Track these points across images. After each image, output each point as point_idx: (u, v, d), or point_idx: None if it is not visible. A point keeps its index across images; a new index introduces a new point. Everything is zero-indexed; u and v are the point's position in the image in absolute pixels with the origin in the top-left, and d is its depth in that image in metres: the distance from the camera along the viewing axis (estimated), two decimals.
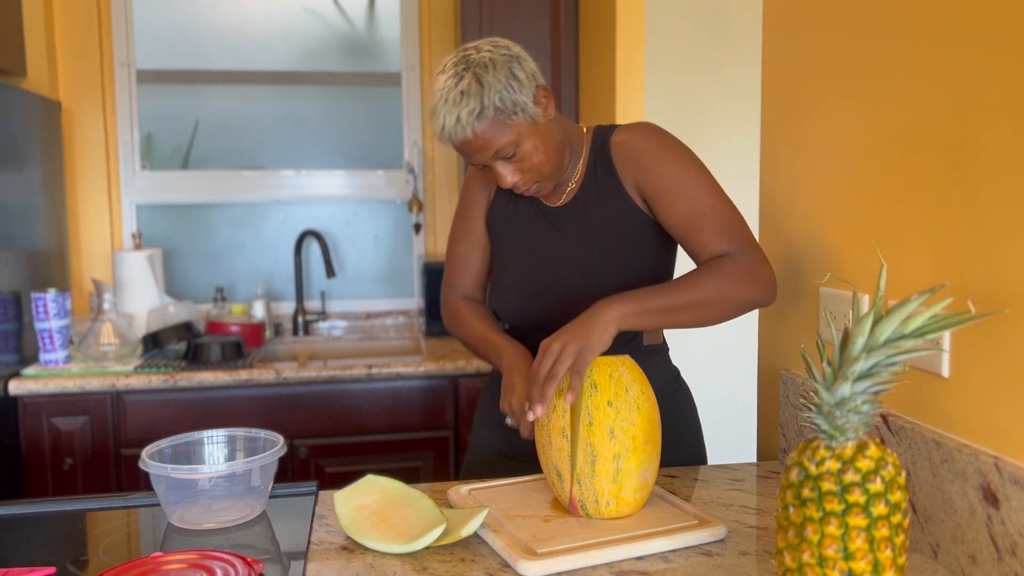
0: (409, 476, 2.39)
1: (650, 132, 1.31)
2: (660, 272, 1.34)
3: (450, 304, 1.45)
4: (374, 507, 1.09)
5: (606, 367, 1.11)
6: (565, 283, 1.32)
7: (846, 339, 0.82)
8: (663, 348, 1.44)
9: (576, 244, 1.33)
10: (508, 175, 1.25)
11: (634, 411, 1.08)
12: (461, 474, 1.51)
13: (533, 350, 1.34)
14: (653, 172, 1.27)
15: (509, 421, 1.22)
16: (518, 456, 1.41)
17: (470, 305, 1.43)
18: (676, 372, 1.45)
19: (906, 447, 1.02)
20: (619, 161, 1.31)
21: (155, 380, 2.26)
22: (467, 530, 1.02)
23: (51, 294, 2.28)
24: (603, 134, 1.34)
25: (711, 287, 1.16)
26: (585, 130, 1.37)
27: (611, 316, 1.11)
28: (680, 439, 1.40)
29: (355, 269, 3.10)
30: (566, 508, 1.12)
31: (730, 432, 2.23)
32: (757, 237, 1.46)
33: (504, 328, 1.43)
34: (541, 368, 1.09)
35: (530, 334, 1.37)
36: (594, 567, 0.98)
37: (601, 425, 1.07)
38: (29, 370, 2.29)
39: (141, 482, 2.27)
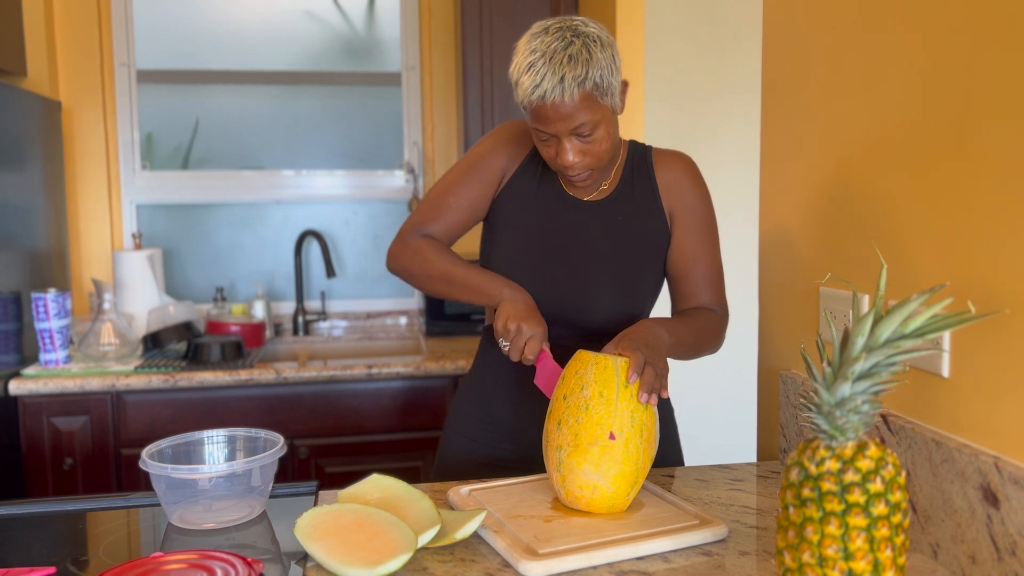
0: (409, 476, 2.38)
1: (695, 169, 1.39)
2: (653, 290, 1.39)
3: (412, 241, 1.37)
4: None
5: (582, 363, 1.13)
6: (575, 273, 1.33)
7: (846, 339, 0.82)
8: None
9: (603, 238, 1.34)
10: (573, 154, 1.23)
11: (581, 410, 1.09)
12: (432, 476, 1.49)
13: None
14: (690, 204, 1.36)
15: (504, 344, 1.24)
16: (496, 462, 1.41)
17: (436, 243, 1.37)
18: None
19: (906, 447, 1.02)
20: (662, 179, 1.37)
21: (155, 380, 2.26)
22: (462, 533, 1.02)
23: (51, 294, 2.28)
24: (642, 149, 1.39)
25: (705, 336, 1.32)
26: (623, 141, 1.40)
27: (666, 346, 1.22)
28: (660, 439, 1.41)
29: (355, 269, 3.10)
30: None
31: (730, 432, 2.23)
32: (757, 237, 1.46)
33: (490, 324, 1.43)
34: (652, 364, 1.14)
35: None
36: (595, 567, 0.98)
37: (552, 414, 1.14)
38: (29, 370, 2.29)
39: (141, 482, 2.27)
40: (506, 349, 1.24)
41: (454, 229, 1.39)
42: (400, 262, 1.38)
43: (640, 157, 1.38)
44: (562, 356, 1.27)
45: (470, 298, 1.32)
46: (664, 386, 1.13)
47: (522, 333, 1.21)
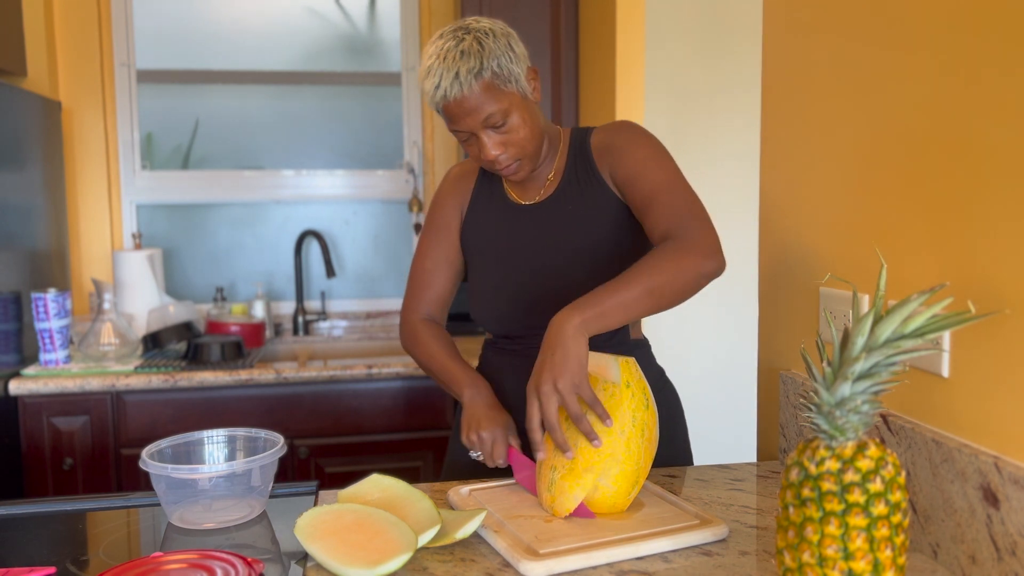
0: (409, 476, 2.38)
1: (624, 125, 1.34)
2: (634, 259, 1.32)
3: (410, 324, 1.43)
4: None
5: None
6: (548, 280, 1.32)
7: (846, 339, 0.82)
8: (645, 344, 1.44)
9: (559, 238, 1.33)
10: (492, 146, 1.25)
11: (579, 434, 1.08)
12: (441, 478, 1.50)
13: (520, 358, 1.34)
14: (624, 158, 1.29)
15: (475, 454, 1.26)
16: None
17: (431, 329, 1.41)
18: (660, 371, 1.45)
19: (906, 447, 1.02)
20: (597, 155, 1.34)
21: (155, 380, 2.26)
22: (462, 533, 1.02)
23: (51, 294, 2.28)
24: (583, 134, 1.38)
25: (658, 272, 1.11)
26: (563, 130, 1.40)
27: (574, 328, 1.06)
28: (666, 438, 1.40)
29: (355, 269, 3.10)
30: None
31: (730, 432, 2.23)
32: (757, 237, 1.46)
33: (490, 339, 1.43)
34: (544, 416, 1.05)
35: (516, 340, 1.38)
36: (595, 567, 0.98)
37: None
38: (29, 370, 2.29)
39: (141, 482, 2.27)
40: (477, 456, 1.27)
41: (443, 291, 1.44)
42: (406, 345, 1.45)
43: (580, 144, 1.37)
44: None
45: (446, 389, 1.38)
46: (591, 400, 1.05)
47: (484, 441, 1.24)
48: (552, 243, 1.33)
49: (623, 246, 1.32)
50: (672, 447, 1.41)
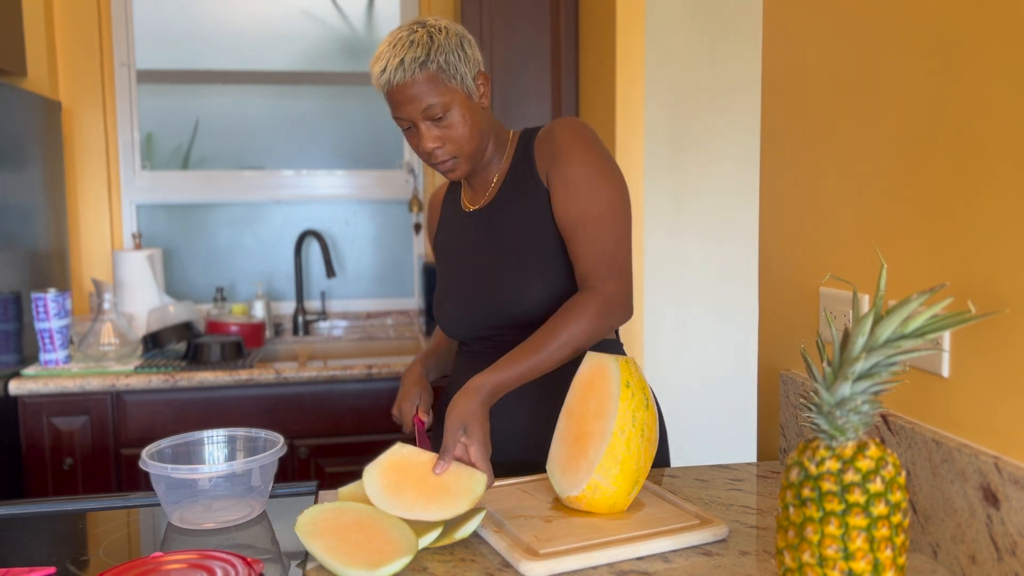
0: None
1: (569, 125, 1.30)
2: (568, 265, 1.34)
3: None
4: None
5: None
6: (495, 285, 1.33)
7: (846, 339, 0.82)
8: (616, 343, 1.43)
9: (499, 242, 1.34)
10: (430, 140, 1.27)
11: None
12: None
13: (480, 359, 1.37)
14: (560, 165, 1.28)
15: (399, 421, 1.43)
16: (497, 464, 1.40)
17: (437, 329, 1.59)
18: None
19: (906, 447, 1.02)
20: (538, 156, 1.32)
21: (155, 380, 2.26)
22: (462, 533, 1.02)
23: (51, 294, 2.28)
24: (530, 133, 1.37)
25: (563, 337, 1.20)
26: (512, 133, 1.40)
27: (480, 398, 1.16)
28: None
29: (355, 269, 3.10)
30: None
31: (730, 432, 2.23)
32: (757, 237, 1.46)
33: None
34: (449, 445, 1.14)
35: (474, 343, 1.41)
36: (595, 567, 0.98)
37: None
38: (29, 370, 2.29)
39: (141, 482, 2.27)
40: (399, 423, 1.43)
41: None
42: None
43: (525, 143, 1.36)
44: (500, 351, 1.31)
45: None
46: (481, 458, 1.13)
47: (403, 413, 1.42)
48: (491, 247, 1.35)
49: (560, 246, 1.31)
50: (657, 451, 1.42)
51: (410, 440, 1.36)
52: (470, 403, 1.15)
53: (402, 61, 1.22)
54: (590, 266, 1.25)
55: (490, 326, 1.35)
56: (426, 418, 1.40)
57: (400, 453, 1.13)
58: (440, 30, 1.25)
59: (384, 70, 1.24)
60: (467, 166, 1.33)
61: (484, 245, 1.36)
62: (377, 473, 1.08)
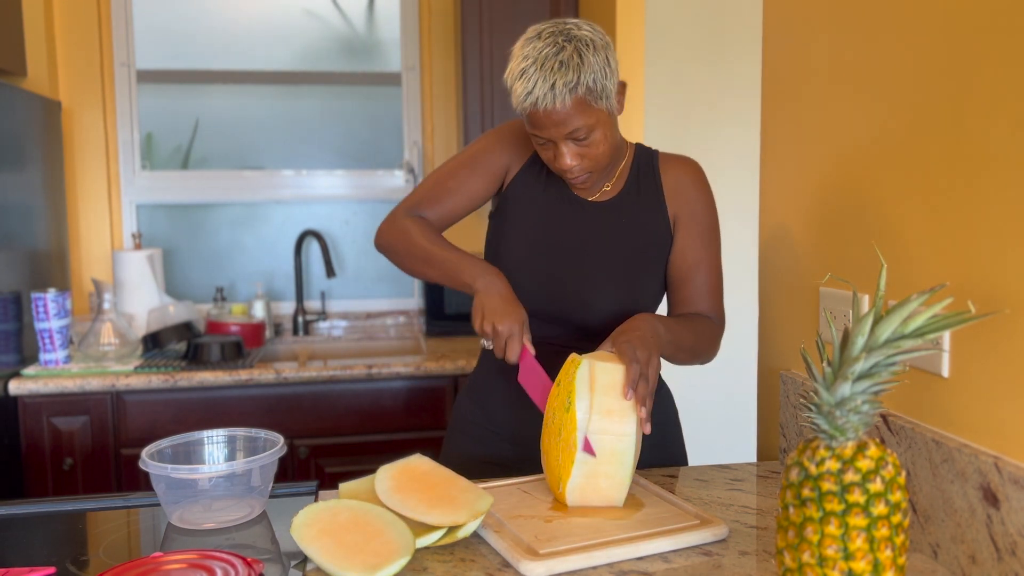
0: None
1: (702, 174, 1.38)
2: (655, 293, 1.37)
3: (402, 220, 1.39)
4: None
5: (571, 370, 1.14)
6: (578, 273, 1.33)
7: (846, 339, 0.82)
8: None
9: (607, 239, 1.34)
10: (570, 157, 1.23)
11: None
12: None
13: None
14: (694, 209, 1.35)
15: (486, 343, 1.25)
16: (497, 461, 1.40)
17: (424, 224, 1.37)
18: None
19: (906, 447, 1.02)
20: (668, 183, 1.36)
21: (155, 380, 2.26)
22: (462, 533, 1.02)
23: (51, 294, 2.28)
24: (649, 153, 1.39)
25: (701, 340, 1.30)
26: (628, 144, 1.39)
27: (659, 338, 1.18)
28: (665, 441, 1.41)
29: (355, 269, 3.10)
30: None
31: (730, 432, 2.23)
32: (757, 237, 1.46)
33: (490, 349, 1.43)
34: (642, 372, 1.13)
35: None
36: (595, 567, 0.98)
37: (551, 425, 1.17)
38: (29, 370, 2.29)
39: (141, 482, 2.27)
40: (489, 346, 1.25)
41: (450, 214, 1.40)
42: (386, 238, 1.40)
43: (647, 160, 1.37)
44: (558, 355, 1.27)
45: (446, 281, 1.31)
46: (651, 393, 1.13)
47: (499, 334, 1.21)
48: (596, 243, 1.34)
49: (650, 271, 1.34)
50: (671, 449, 1.42)
51: (475, 461, 1.37)
52: (657, 340, 1.17)
53: (553, 86, 1.15)
54: (714, 304, 1.36)
55: (561, 320, 1.33)
56: (531, 348, 1.24)
57: (418, 463, 1.13)
58: (587, 44, 1.17)
59: (531, 92, 1.16)
60: (599, 179, 1.32)
61: (591, 238, 1.33)
62: (390, 473, 1.09)
